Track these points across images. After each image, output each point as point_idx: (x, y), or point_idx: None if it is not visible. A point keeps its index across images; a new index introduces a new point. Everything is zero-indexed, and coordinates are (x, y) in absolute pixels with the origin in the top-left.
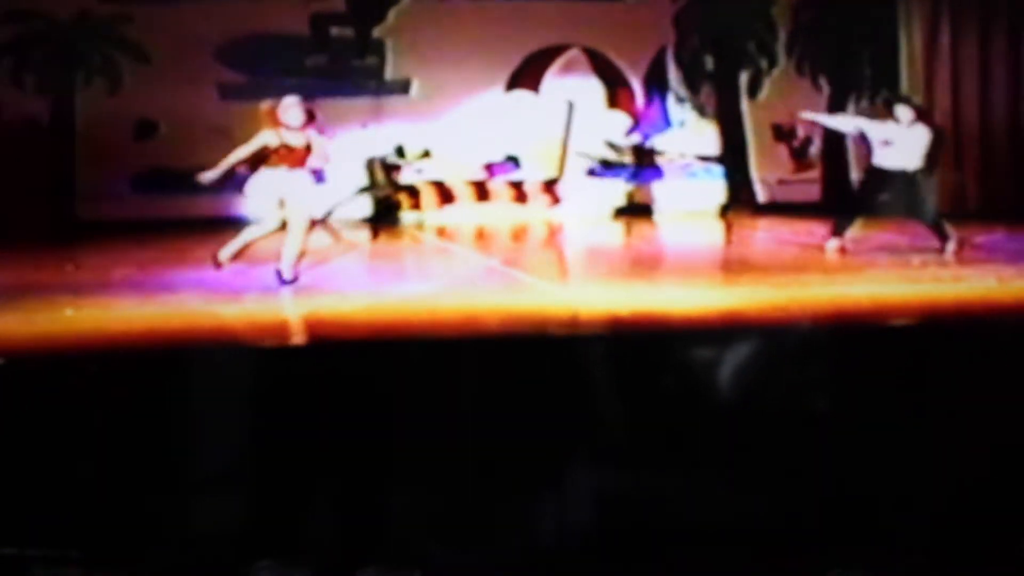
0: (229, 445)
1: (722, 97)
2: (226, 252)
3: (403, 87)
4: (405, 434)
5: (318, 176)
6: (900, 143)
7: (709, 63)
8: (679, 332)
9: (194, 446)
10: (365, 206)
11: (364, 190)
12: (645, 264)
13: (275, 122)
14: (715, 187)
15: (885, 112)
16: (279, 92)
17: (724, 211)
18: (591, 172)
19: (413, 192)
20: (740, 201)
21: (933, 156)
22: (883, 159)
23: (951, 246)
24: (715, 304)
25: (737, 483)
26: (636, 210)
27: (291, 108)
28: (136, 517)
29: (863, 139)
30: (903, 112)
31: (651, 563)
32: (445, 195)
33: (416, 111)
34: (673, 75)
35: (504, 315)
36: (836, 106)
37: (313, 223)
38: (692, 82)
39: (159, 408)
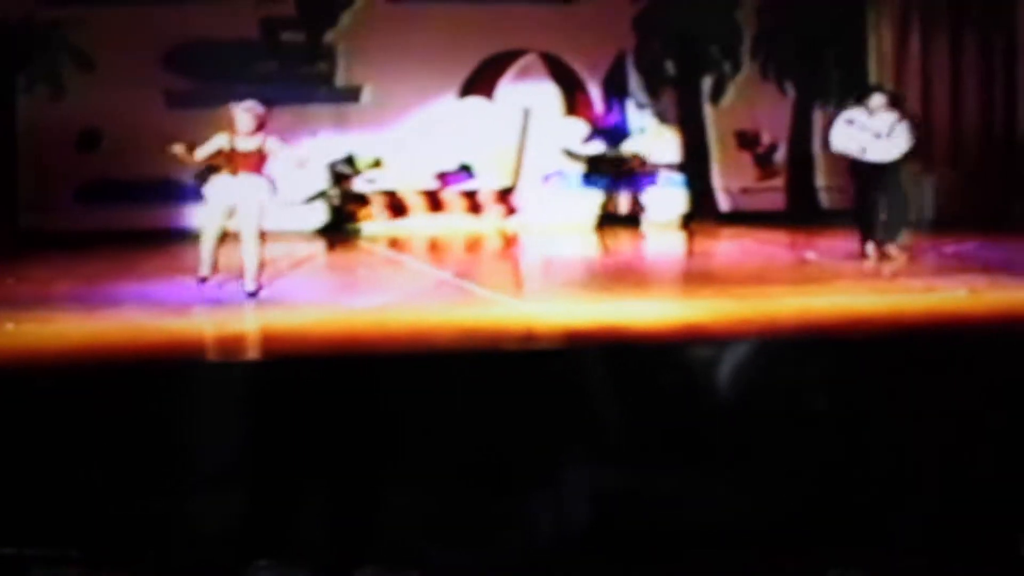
0: (226, 447)
1: (684, 103)
2: (205, 267)
3: (354, 94)
4: (401, 436)
5: (272, 182)
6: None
7: (670, 68)
8: (647, 343)
9: (190, 449)
10: (318, 217)
11: (315, 198)
12: (604, 276)
13: (231, 127)
14: (677, 196)
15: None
16: (227, 99)
17: (686, 221)
18: (547, 180)
19: (364, 202)
20: (702, 210)
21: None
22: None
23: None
24: (676, 317)
25: (734, 484)
26: (607, 220)
27: (242, 113)
28: (135, 517)
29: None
30: (877, 101)
31: (648, 564)
32: (397, 205)
33: (367, 119)
34: (633, 80)
35: (457, 329)
36: (802, 112)
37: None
38: (653, 87)
39: (141, 416)
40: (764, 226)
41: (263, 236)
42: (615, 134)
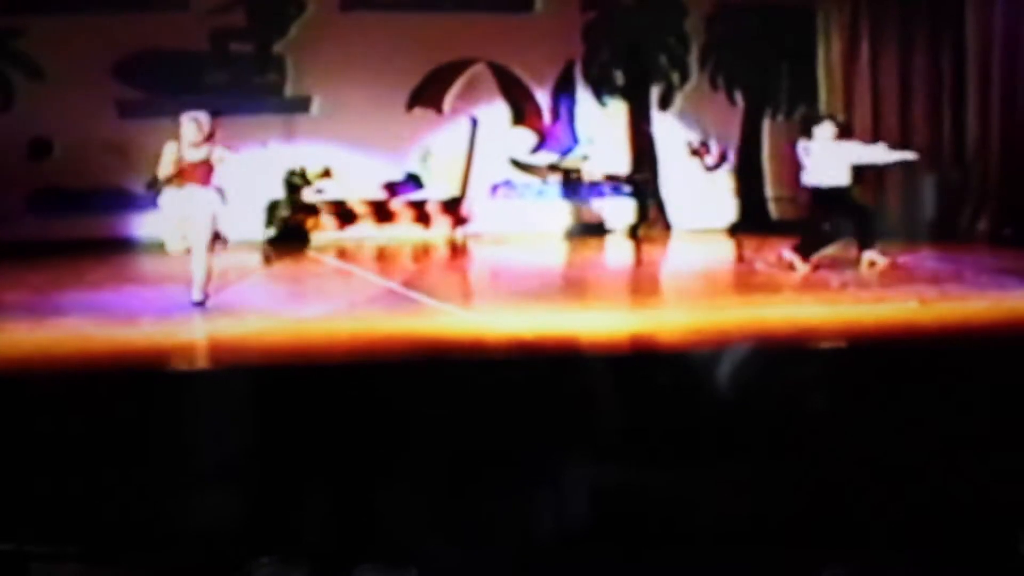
0: (227, 446)
1: (632, 112)
2: (197, 290)
3: (304, 104)
4: (400, 435)
5: (222, 192)
6: (823, 161)
7: (619, 78)
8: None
9: (191, 447)
10: (267, 227)
11: (268, 210)
12: (553, 286)
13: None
14: (625, 206)
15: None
16: (178, 109)
17: (634, 231)
18: (495, 190)
19: (313, 212)
20: (651, 220)
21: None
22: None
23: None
24: (624, 327)
25: (729, 482)
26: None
27: (189, 123)
28: (134, 514)
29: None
30: (827, 131)
31: (643, 561)
32: (346, 215)
33: (317, 129)
34: (581, 90)
35: (403, 338)
36: (751, 121)
37: (215, 242)
38: (601, 98)
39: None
40: (713, 236)
41: (214, 246)
42: (563, 144)
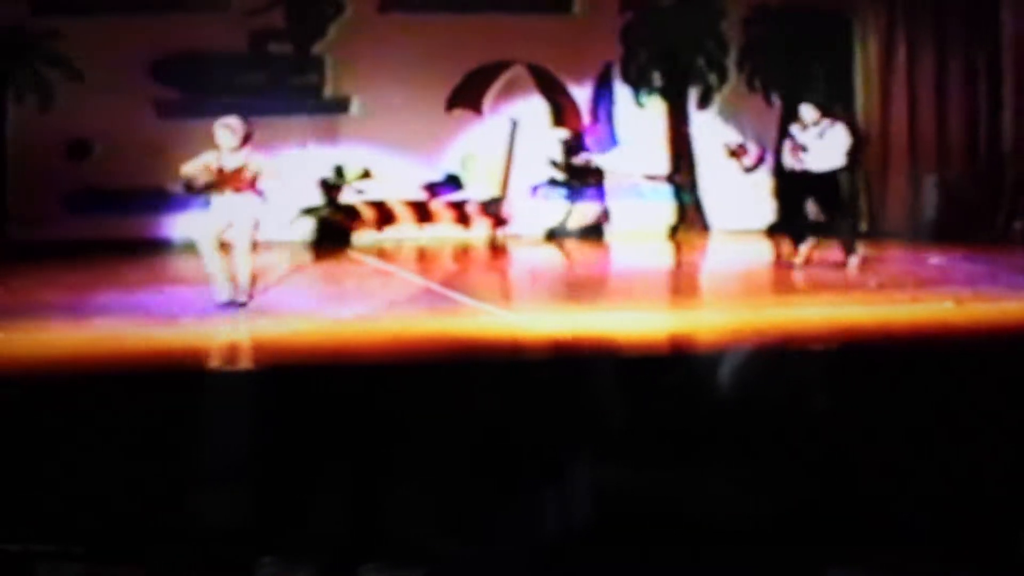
0: (232, 447)
1: (671, 114)
2: (225, 290)
3: (343, 105)
4: (406, 435)
5: (262, 196)
6: (815, 146)
7: (657, 79)
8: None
9: (196, 448)
10: (306, 228)
11: (308, 212)
12: (592, 287)
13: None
14: (663, 207)
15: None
16: (217, 110)
17: (673, 232)
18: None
19: (353, 213)
20: (689, 221)
21: (853, 158)
22: (798, 162)
23: (854, 260)
24: (663, 328)
25: (735, 481)
26: (586, 231)
27: (221, 129)
28: (140, 514)
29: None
30: (808, 113)
31: (650, 560)
32: (385, 216)
33: (356, 130)
34: (620, 92)
35: (443, 339)
36: (788, 122)
37: (257, 244)
38: (639, 99)
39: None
40: (751, 237)
41: (255, 248)
42: (602, 145)
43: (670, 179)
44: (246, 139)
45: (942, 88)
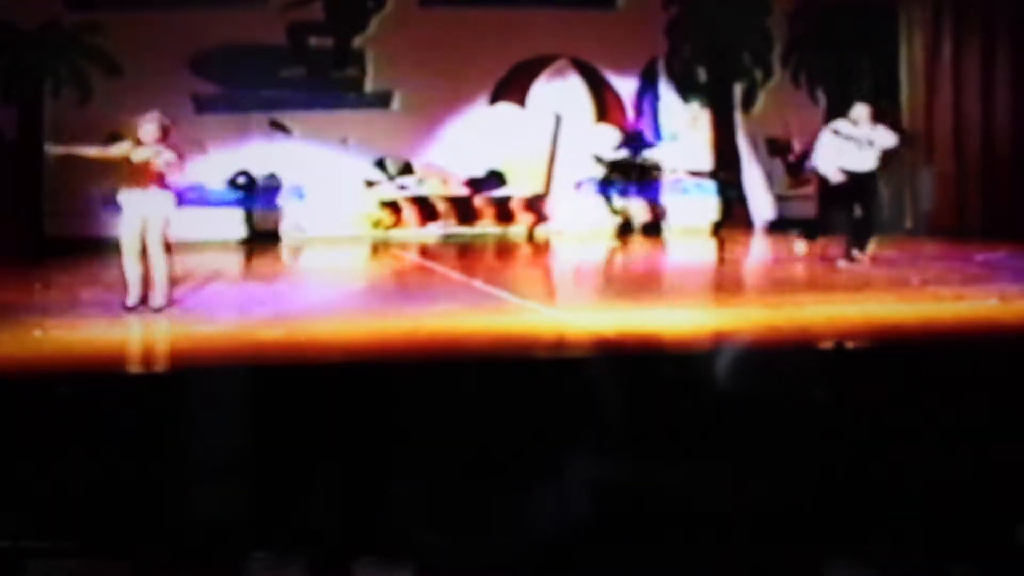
0: (225, 441)
1: (715, 110)
2: (132, 297)
3: (384, 99)
4: (399, 430)
5: (179, 195)
6: (861, 145)
7: (702, 74)
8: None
9: (189, 442)
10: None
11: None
12: (636, 283)
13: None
14: (708, 203)
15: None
16: (255, 105)
17: (717, 228)
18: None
19: (395, 209)
20: (734, 218)
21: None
22: (846, 162)
23: (862, 257)
24: (706, 324)
25: (735, 477)
26: (644, 228)
27: (146, 123)
28: (132, 509)
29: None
30: (861, 112)
31: (648, 554)
32: (427, 212)
33: (398, 125)
34: (664, 87)
35: (488, 337)
36: (834, 119)
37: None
38: (684, 94)
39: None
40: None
41: (169, 249)
42: (647, 140)
43: (714, 175)
44: (164, 135)
45: (989, 81)
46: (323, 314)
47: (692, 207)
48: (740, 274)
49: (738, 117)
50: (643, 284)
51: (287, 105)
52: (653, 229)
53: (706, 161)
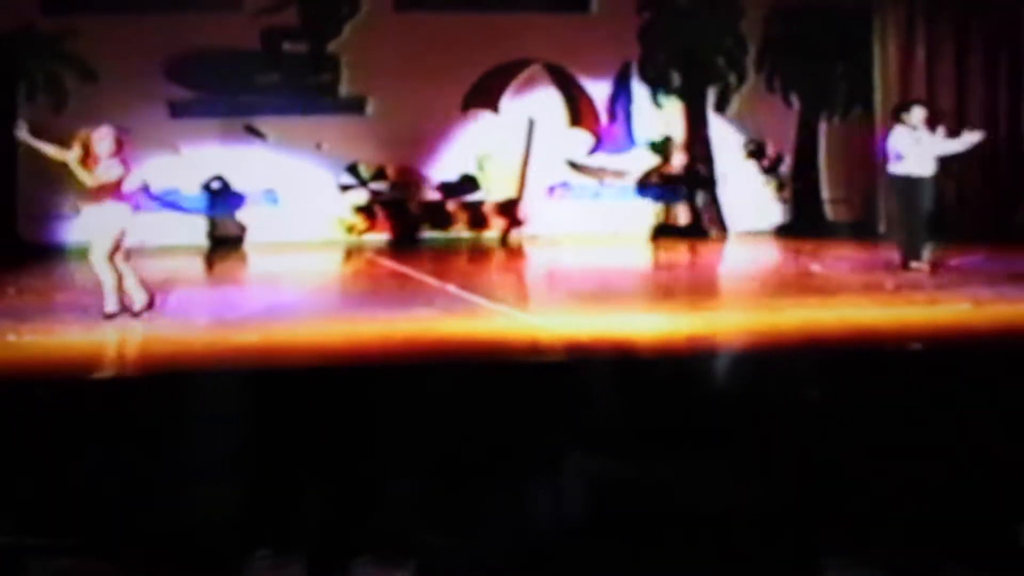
0: (224, 440)
1: (689, 114)
2: (110, 304)
3: (358, 105)
4: (397, 429)
5: (134, 204)
6: (921, 149)
7: (676, 79)
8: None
9: (189, 441)
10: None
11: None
12: (609, 288)
13: (87, 150)
14: (680, 208)
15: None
16: (230, 110)
17: (691, 232)
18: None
19: (369, 214)
20: (707, 221)
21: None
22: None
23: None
24: (680, 329)
25: (731, 475)
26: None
27: (100, 141)
28: (131, 508)
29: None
30: (917, 115)
31: (644, 554)
32: (401, 217)
33: (372, 130)
34: (638, 92)
35: (461, 342)
36: (807, 123)
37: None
38: (657, 99)
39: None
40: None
41: (128, 257)
42: (620, 145)
43: (687, 180)
44: (119, 147)
45: (962, 86)
46: (297, 318)
47: (664, 211)
48: (715, 278)
49: (711, 122)
50: (617, 289)
51: (262, 110)
52: (625, 233)
53: (679, 165)
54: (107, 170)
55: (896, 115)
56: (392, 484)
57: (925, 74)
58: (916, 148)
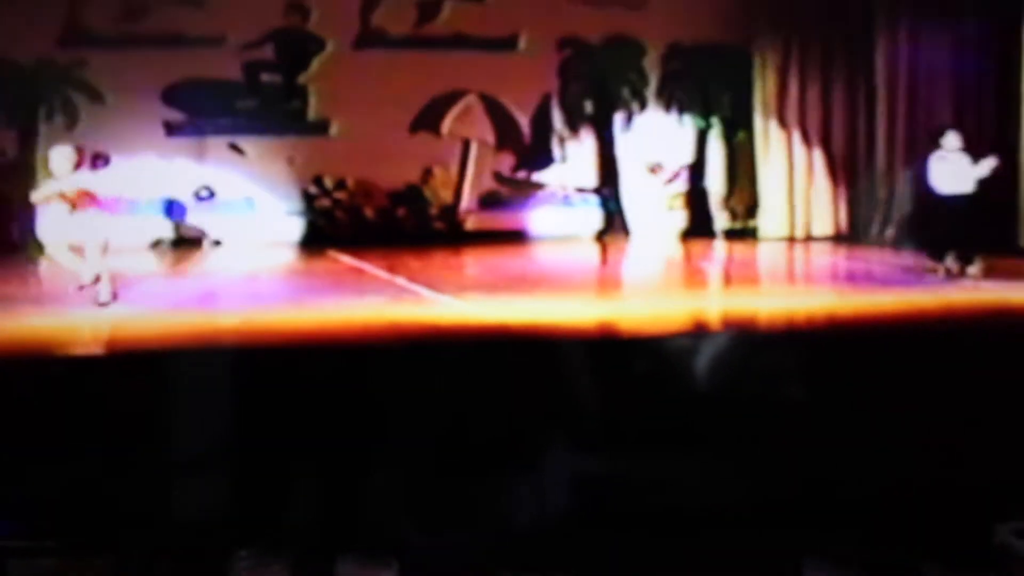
0: (207, 438)
1: (599, 136)
2: (104, 295)
3: (323, 127)
4: (380, 426)
5: (107, 207)
6: (948, 171)
7: (588, 107)
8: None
9: (171, 439)
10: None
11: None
12: (531, 281)
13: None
14: (592, 215)
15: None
16: (216, 130)
17: (600, 236)
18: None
19: (331, 217)
20: (614, 227)
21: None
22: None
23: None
24: (591, 316)
25: (714, 471)
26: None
27: (55, 156)
28: (115, 507)
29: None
30: (952, 141)
31: (627, 548)
32: (358, 221)
33: (334, 148)
34: (557, 117)
35: (413, 326)
36: (699, 143)
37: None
38: (573, 124)
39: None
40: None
41: (104, 252)
42: (541, 162)
43: (598, 191)
44: (79, 163)
45: (827, 116)
46: (269, 306)
47: (578, 218)
48: (620, 273)
49: (618, 142)
50: (539, 282)
51: (243, 131)
52: (545, 236)
53: (591, 179)
54: (67, 190)
55: (934, 140)
56: (376, 481)
57: (798, 102)
58: (949, 168)
